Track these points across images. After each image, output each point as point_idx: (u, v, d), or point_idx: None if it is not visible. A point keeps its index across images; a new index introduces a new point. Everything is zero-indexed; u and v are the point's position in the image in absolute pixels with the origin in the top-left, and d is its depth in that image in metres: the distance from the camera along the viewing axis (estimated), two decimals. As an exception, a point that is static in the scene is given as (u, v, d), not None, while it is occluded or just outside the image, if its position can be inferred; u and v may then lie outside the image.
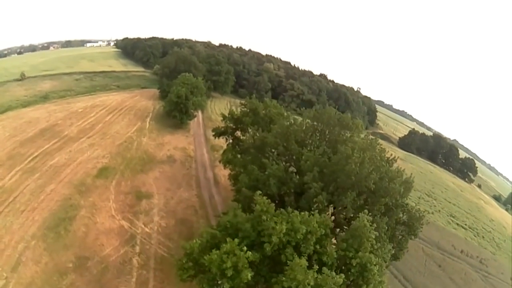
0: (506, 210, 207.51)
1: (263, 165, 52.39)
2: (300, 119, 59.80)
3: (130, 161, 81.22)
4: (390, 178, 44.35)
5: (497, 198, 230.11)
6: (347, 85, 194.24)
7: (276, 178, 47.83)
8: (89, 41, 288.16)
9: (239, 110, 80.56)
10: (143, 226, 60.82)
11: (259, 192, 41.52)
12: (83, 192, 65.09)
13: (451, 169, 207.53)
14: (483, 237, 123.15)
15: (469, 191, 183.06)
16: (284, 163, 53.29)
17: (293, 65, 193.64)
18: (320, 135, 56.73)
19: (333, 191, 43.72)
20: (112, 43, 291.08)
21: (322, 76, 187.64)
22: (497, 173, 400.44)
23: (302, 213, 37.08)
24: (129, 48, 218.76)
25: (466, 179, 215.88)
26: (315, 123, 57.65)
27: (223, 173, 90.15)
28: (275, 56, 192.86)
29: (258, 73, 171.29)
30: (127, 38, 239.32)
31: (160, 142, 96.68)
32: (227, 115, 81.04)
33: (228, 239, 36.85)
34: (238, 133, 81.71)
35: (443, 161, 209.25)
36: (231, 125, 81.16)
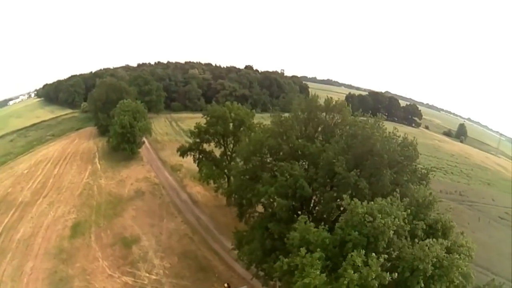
0: (461, 141, 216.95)
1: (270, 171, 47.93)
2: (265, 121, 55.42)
3: (99, 208, 72.80)
4: (405, 145, 41.83)
5: (448, 133, 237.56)
6: (270, 70, 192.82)
7: (301, 178, 42.73)
8: (11, 99, 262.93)
9: (204, 121, 74.69)
10: (147, 275, 54.24)
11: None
12: (66, 260, 56.55)
13: (396, 119, 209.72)
14: (452, 173, 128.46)
15: (421, 135, 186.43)
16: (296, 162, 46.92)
17: (215, 64, 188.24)
18: (313, 125, 51.91)
19: (369, 174, 40.00)
20: (33, 94, 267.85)
21: (249, 68, 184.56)
22: (438, 110, 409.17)
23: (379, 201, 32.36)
24: (52, 93, 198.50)
25: (413, 125, 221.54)
26: (303, 113, 52.53)
27: (196, 190, 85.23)
28: (195, 61, 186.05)
29: (185, 82, 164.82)
30: (46, 84, 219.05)
31: (119, 179, 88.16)
32: (194, 130, 75.40)
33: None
34: (206, 145, 76.77)
35: (386, 114, 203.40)
36: (197, 140, 75.72)
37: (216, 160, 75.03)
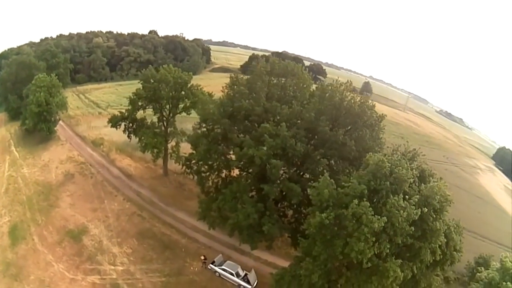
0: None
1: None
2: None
3: (31, 203, 61.01)
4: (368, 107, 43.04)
5: (353, 91, 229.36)
6: (170, 34, 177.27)
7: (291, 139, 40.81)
8: None
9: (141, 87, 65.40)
10: (112, 267, 47.12)
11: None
12: (17, 275, 46.66)
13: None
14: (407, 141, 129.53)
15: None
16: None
17: (116, 32, 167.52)
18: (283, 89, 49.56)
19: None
20: None
21: (153, 32, 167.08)
22: (338, 68, 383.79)
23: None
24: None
25: (318, 82, 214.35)
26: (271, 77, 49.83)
27: (126, 163, 75.98)
28: (104, 31, 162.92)
29: (90, 52, 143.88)
30: None
31: (42, 164, 74.83)
32: (133, 97, 65.42)
33: None
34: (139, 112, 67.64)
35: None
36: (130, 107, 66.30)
37: (154, 128, 66.44)
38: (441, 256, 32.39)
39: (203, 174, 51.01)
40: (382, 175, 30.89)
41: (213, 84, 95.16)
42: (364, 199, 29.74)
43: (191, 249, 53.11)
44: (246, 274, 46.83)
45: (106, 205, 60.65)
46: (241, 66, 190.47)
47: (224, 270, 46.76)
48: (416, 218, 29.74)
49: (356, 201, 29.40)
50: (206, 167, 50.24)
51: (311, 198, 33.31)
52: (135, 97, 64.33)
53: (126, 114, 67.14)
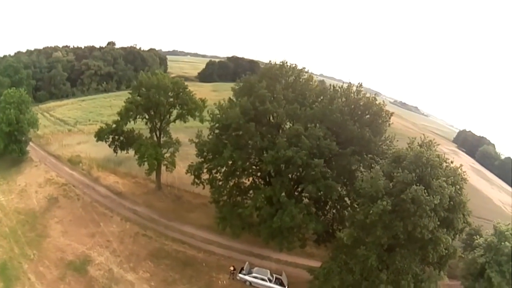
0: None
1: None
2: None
3: (16, 235, 48.97)
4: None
5: None
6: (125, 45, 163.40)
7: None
8: None
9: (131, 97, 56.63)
10: None
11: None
12: None
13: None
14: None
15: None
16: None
17: (77, 46, 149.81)
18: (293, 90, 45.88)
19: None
20: None
21: (111, 44, 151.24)
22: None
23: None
24: None
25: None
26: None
27: (112, 180, 65.93)
28: (61, 46, 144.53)
29: (50, 67, 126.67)
30: None
31: (19, 189, 61.63)
32: (128, 105, 55.59)
33: None
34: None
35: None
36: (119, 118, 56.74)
37: (147, 139, 58.06)
38: (463, 224, 34.90)
39: (219, 183, 45.97)
40: (422, 164, 32.47)
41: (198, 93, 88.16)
42: (417, 184, 31.11)
43: (211, 262, 46.59)
44: (277, 278, 42.76)
45: (104, 228, 50.83)
46: (198, 73, 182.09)
47: (255, 277, 41.94)
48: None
49: (414, 186, 30.73)
50: (221, 174, 46.04)
51: (360, 190, 33.82)
52: (130, 104, 54.55)
53: (114, 126, 57.51)
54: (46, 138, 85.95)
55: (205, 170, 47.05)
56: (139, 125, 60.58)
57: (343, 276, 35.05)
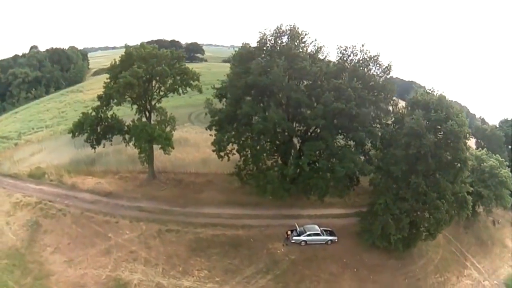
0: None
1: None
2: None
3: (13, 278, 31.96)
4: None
5: (228, 60, 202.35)
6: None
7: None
8: None
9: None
10: None
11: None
12: None
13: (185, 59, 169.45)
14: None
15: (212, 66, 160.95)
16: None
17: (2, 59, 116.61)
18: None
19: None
20: None
21: (34, 47, 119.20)
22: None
23: None
24: None
25: (197, 61, 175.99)
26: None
27: (93, 182, 49.37)
28: None
29: None
30: None
31: None
32: (109, 82, 41.95)
33: None
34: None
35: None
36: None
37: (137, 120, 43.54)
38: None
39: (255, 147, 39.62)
40: (445, 104, 35.46)
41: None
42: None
43: (256, 235, 38.64)
44: (325, 230, 38.43)
45: (117, 239, 36.66)
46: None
47: (309, 235, 36.90)
48: None
49: (450, 121, 33.36)
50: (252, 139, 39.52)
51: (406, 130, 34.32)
52: (120, 82, 38.89)
53: (94, 113, 41.80)
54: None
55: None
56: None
57: (398, 205, 34.30)
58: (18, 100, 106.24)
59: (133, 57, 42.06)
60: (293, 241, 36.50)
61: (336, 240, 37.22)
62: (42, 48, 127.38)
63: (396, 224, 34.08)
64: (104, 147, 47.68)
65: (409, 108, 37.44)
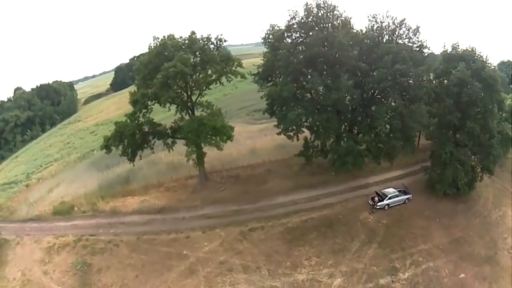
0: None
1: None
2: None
3: None
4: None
5: None
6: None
7: None
8: None
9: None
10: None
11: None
12: None
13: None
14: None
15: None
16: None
17: None
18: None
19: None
20: None
21: (19, 88, 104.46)
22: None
23: None
24: None
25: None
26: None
27: (135, 201, 39.71)
28: None
29: None
30: None
31: (20, 283, 31.63)
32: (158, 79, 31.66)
33: None
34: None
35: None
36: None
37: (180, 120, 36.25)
38: None
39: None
40: (477, 57, 37.21)
41: (123, 102, 71.11)
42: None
43: (342, 211, 35.23)
44: (400, 190, 37.23)
45: (196, 254, 28.73)
46: (110, 84, 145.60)
47: (390, 198, 35.58)
48: None
49: (487, 69, 35.76)
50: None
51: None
52: (170, 71, 30.46)
53: (129, 121, 33.25)
54: (5, 207, 52.96)
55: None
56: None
57: (460, 151, 35.29)
58: (15, 145, 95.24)
59: (167, 48, 33.47)
60: (377, 207, 35.26)
61: (412, 198, 36.50)
62: (27, 87, 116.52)
63: (463, 169, 35.07)
64: (141, 159, 38.69)
65: (445, 62, 38.35)
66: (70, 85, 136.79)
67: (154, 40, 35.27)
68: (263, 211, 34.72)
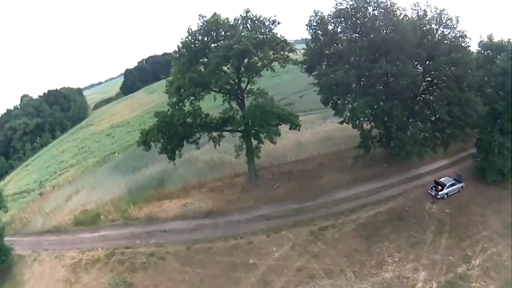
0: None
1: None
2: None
3: None
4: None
5: None
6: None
7: None
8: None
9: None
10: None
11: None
12: None
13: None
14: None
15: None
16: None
17: None
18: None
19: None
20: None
21: (25, 95, 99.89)
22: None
23: None
24: None
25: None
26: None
27: (175, 206, 33.61)
28: None
29: None
30: None
31: None
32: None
33: None
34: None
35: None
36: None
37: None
38: None
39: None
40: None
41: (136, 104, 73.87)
42: None
43: (406, 203, 32.23)
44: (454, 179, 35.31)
45: (266, 261, 23.08)
46: (120, 88, 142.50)
47: (449, 187, 33.67)
48: None
49: None
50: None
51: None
52: (235, 49, 26.02)
53: (171, 114, 27.43)
54: (18, 219, 45.73)
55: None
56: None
57: (505, 137, 34.33)
58: (25, 153, 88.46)
59: (219, 26, 28.10)
60: (439, 196, 33.60)
61: (465, 186, 35.08)
62: (33, 95, 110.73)
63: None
64: (180, 157, 32.56)
65: (483, 51, 37.73)
66: (79, 90, 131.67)
67: (200, 19, 29.27)
68: (327, 207, 30.11)
